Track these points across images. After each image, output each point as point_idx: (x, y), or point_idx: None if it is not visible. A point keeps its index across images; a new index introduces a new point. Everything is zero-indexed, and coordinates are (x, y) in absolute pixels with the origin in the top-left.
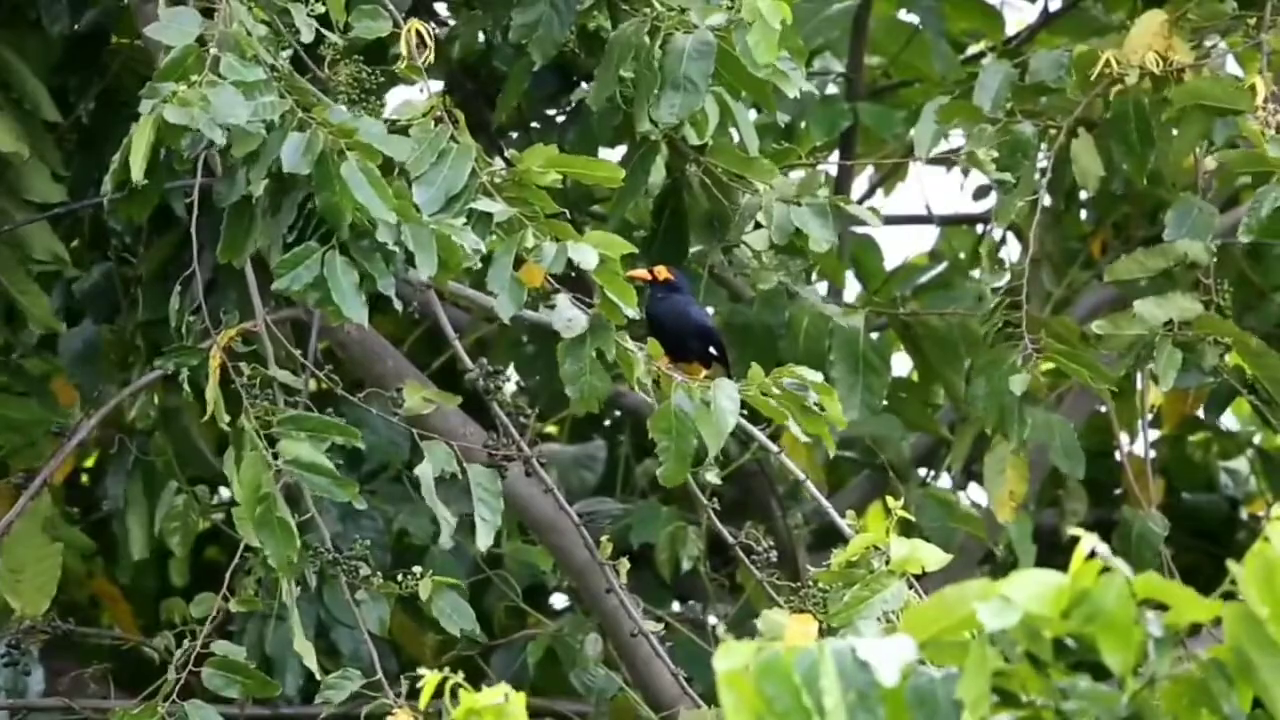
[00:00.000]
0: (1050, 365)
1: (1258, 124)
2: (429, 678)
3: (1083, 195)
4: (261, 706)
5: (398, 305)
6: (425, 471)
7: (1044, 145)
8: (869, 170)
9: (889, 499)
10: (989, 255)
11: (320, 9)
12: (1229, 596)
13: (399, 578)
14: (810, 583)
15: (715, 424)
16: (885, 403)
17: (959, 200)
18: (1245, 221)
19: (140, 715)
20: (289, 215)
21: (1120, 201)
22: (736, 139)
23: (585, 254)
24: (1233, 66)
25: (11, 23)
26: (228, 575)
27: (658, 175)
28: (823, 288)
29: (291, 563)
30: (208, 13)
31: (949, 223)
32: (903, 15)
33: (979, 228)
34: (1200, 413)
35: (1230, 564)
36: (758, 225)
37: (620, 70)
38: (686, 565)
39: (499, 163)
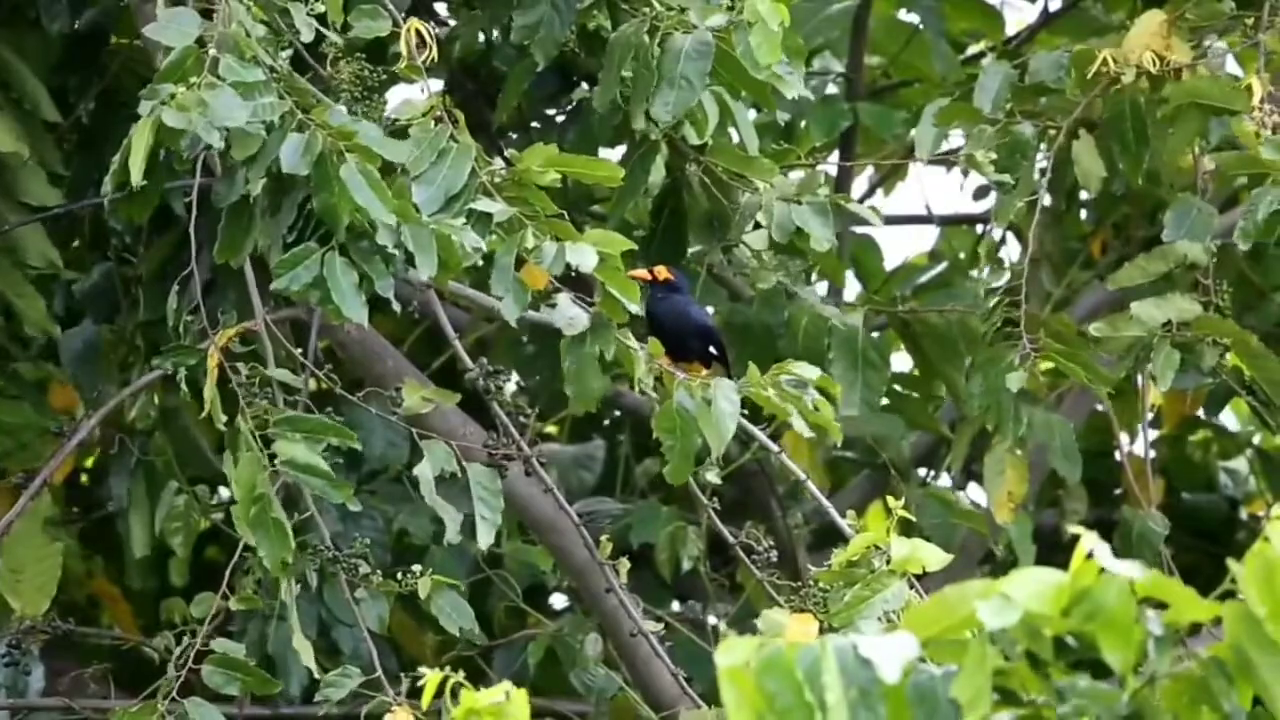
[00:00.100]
0: (1050, 365)
1: (1253, 124)
2: (431, 677)
3: (1083, 195)
4: (261, 706)
5: (396, 307)
6: (425, 471)
7: (1043, 146)
8: (869, 170)
9: (890, 499)
10: (987, 254)
11: (320, 8)
12: (1229, 595)
13: (399, 576)
14: (811, 582)
15: (715, 427)
16: (886, 401)
17: (959, 200)
18: (1241, 225)
19: (140, 713)
20: (288, 216)
21: (1120, 202)
22: (736, 139)
23: (584, 255)
24: (1233, 66)
25: (11, 22)
26: (227, 574)
27: (657, 175)
28: (822, 288)
29: (285, 564)
30: (207, 13)
31: (949, 223)
32: (903, 15)
33: (979, 228)
34: (1201, 412)
35: (1230, 563)
36: (757, 225)
37: (623, 71)
38: (686, 565)
39: (499, 162)
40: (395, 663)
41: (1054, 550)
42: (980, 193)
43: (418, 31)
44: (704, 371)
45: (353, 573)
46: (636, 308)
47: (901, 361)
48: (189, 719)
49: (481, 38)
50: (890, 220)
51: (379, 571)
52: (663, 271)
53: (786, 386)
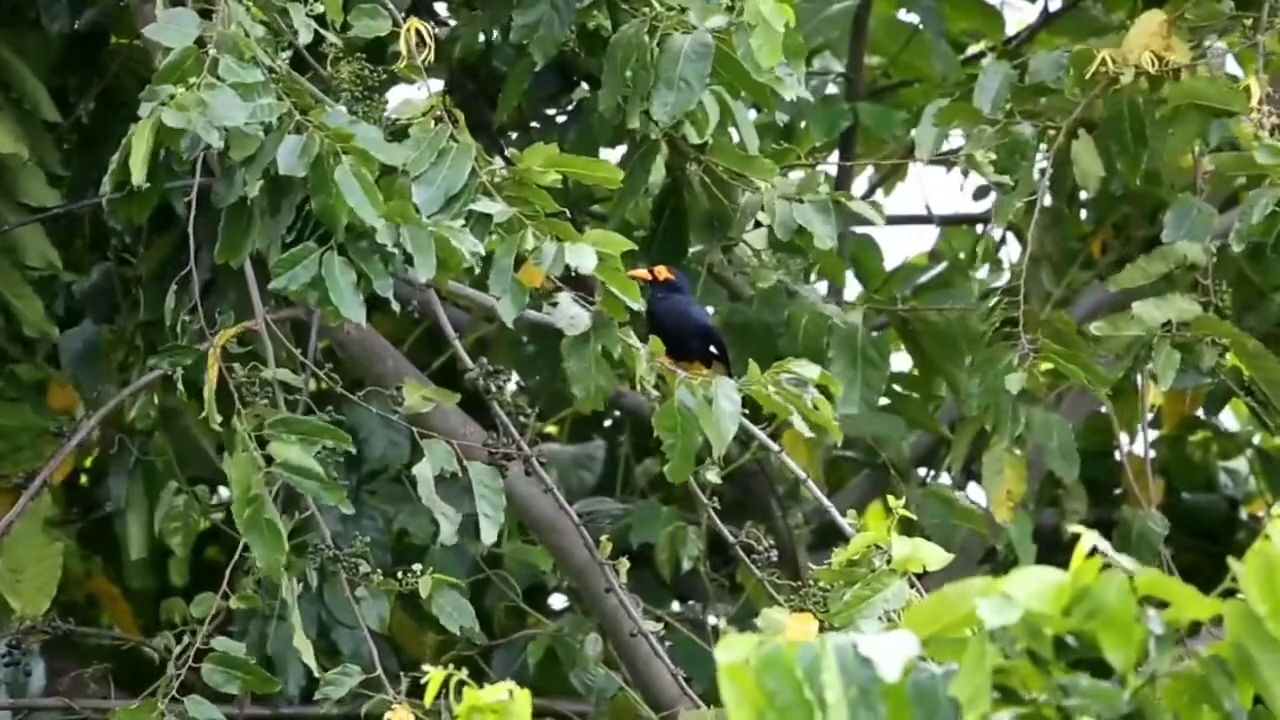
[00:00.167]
0: (1049, 365)
1: (1251, 126)
2: (434, 674)
3: (1083, 195)
4: (262, 706)
5: (395, 306)
6: (424, 471)
7: (1043, 146)
8: (869, 170)
9: (890, 498)
10: (984, 253)
11: (319, 8)
12: (1230, 594)
13: (399, 575)
14: (811, 581)
15: (716, 426)
16: (886, 401)
17: (959, 200)
18: (1237, 228)
19: (140, 711)
20: (287, 216)
21: (1120, 202)
22: (736, 138)
23: (583, 256)
24: (1232, 66)
25: (11, 22)
26: (227, 573)
27: (658, 175)
28: (822, 288)
29: (279, 565)
30: (206, 14)
31: (949, 223)
32: (903, 15)
33: (979, 228)
34: (1201, 412)
35: (1231, 562)
36: (758, 224)
37: (625, 72)
38: (686, 565)
39: (499, 162)
40: (395, 663)
41: (1054, 550)
42: (980, 193)
43: (417, 31)
44: (705, 371)
45: (353, 572)
46: (638, 305)
47: (901, 362)
48: (189, 717)
49: (481, 38)
50: (890, 220)
51: (379, 571)
52: (663, 271)
53: (787, 385)
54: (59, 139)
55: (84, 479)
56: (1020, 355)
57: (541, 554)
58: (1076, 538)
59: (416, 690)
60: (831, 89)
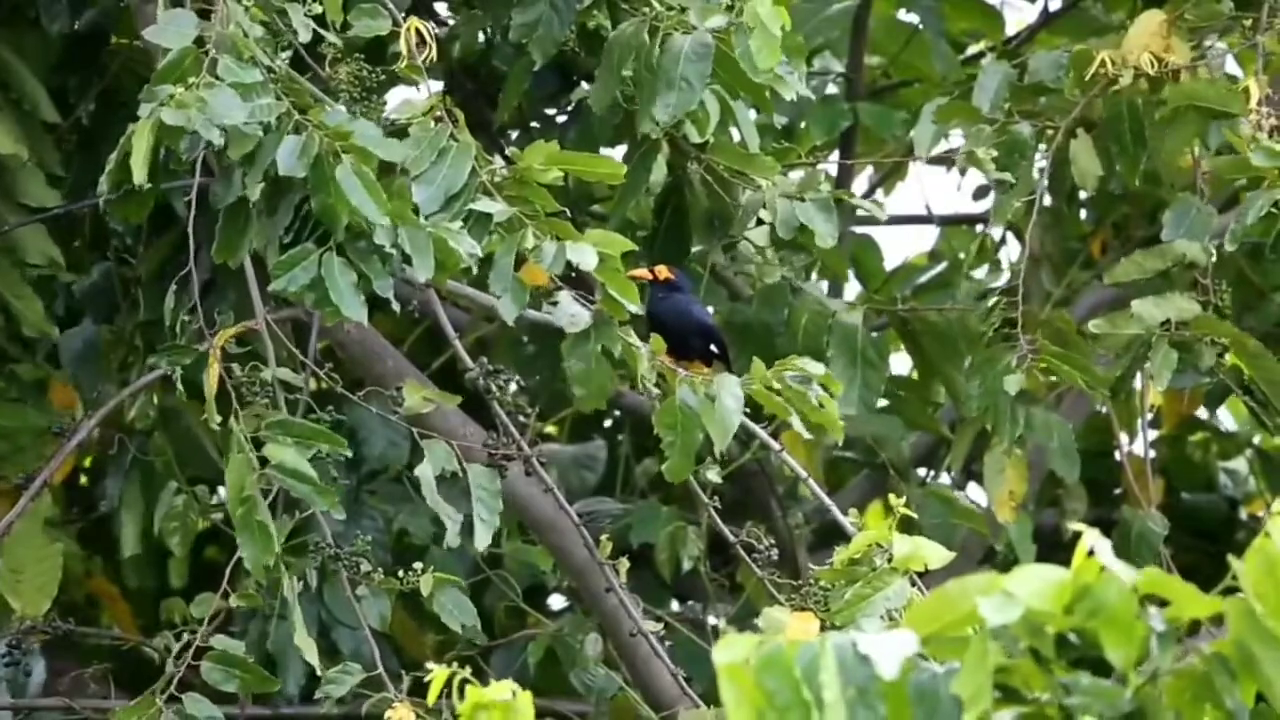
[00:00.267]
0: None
1: (1250, 128)
2: (437, 673)
3: (1082, 195)
4: (262, 706)
5: (395, 306)
6: (426, 472)
7: (1042, 145)
8: (869, 170)
9: (891, 496)
10: (983, 253)
11: (318, 9)
12: (1231, 592)
13: (400, 574)
14: (812, 580)
15: (719, 422)
16: (885, 401)
17: (959, 200)
18: (1232, 229)
19: (138, 708)
20: (285, 216)
21: (1120, 201)
22: (737, 137)
23: (584, 254)
24: (1232, 67)
25: (11, 22)
26: (226, 572)
27: (659, 174)
28: (823, 288)
29: (266, 566)
30: (205, 14)
31: (949, 223)
32: (903, 15)
33: (979, 228)
34: (1202, 411)
35: (1231, 559)
36: (760, 222)
37: (621, 71)
38: (687, 565)
39: (499, 161)
40: (395, 663)
41: (1054, 550)
42: (980, 193)
43: (417, 31)
44: (705, 370)
45: (354, 571)
46: (636, 307)
47: (900, 363)
48: (187, 715)
49: (481, 37)
50: (890, 220)
51: (380, 570)
52: (664, 271)
53: (791, 382)
54: (59, 139)
55: (83, 479)
56: (1019, 356)
57: (541, 554)
58: (1076, 537)
59: (417, 690)
60: (831, 89)
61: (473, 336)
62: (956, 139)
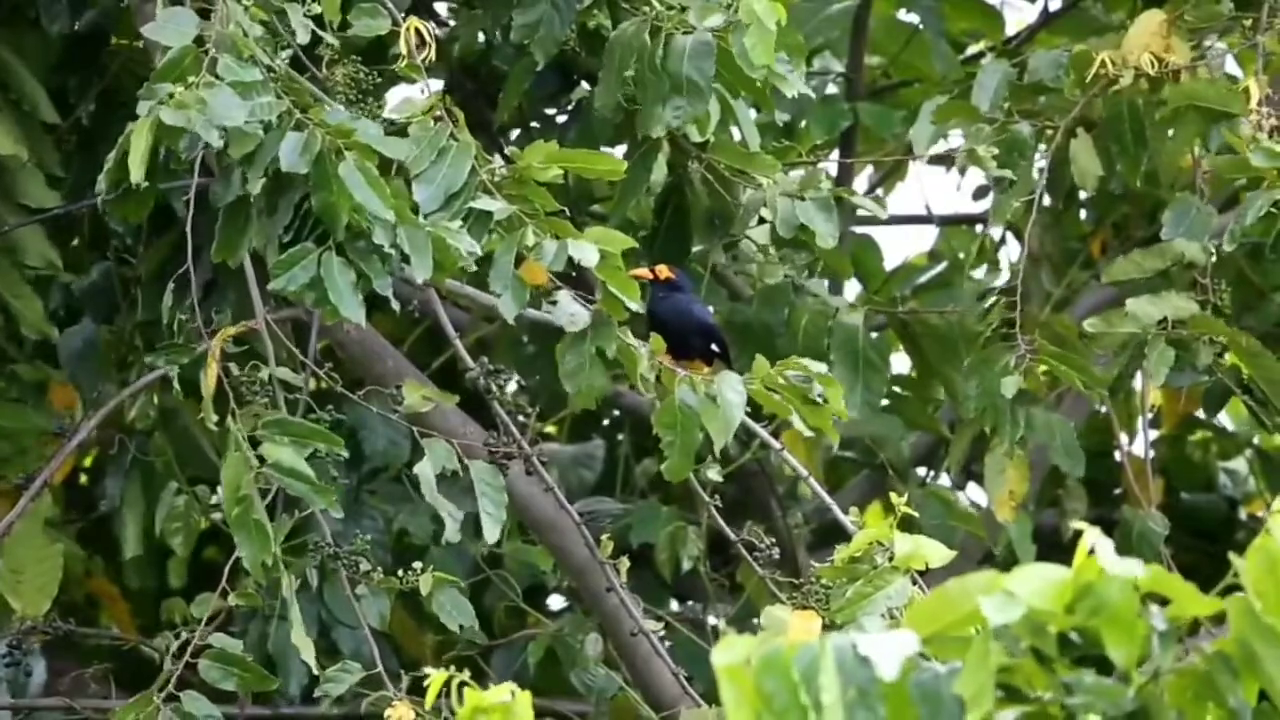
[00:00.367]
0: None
1: (1250, 128)
2: (435, 676)
3: (1082, 195)
4: (262, 706)
5: (395, 306)
6: (426, 470)
7: (1041, 145)
8: (868, 170)
9: (892, 495)
10: (983, 253)
11: (317, 9)
12: (1232, 590)
13: (399, 574)
14: (813, 579)
15: (722, 417)
16: (885, 401)
17: (959, 200)
18: (1231, 229)
19: (137, 706)
20: (285, 215)
21: (1119, 201)
22: (738, 136)
23: (586, 251)
24: (1232, 67)
25: (11, 23)
26: (226, 571)
27: (659, 173)
28: (824, 288)
29: (264, 565)
30: (205, 13)
31: (949, 223)
32: (903, 15)
33: (978, 228)
34: (1201, 412)
35: (1233, 558)
36: (761, 220)
37: (624, 72)
38: (686, 565)
39: (499, 161)
40: (395, 663)
41: (1054, 550)
42: (979, 193)
43: (417, 30)
44: (706, 370)
45: (353, 570)
46: (637, 305)
47: (900, 362)
48: (185, 713)
49: (481, 37)
50: (890, 220)
51: (379, 569)
52: (664, 270)
53: (793, 380)
54: (58, 140)
55: (83, 479)
56: (1017, 357)
57: (541, 554)
58: (1076, 537)
59: (416, 689)
60: (831, 89)
61: (473, 336)
62: (956, 139)
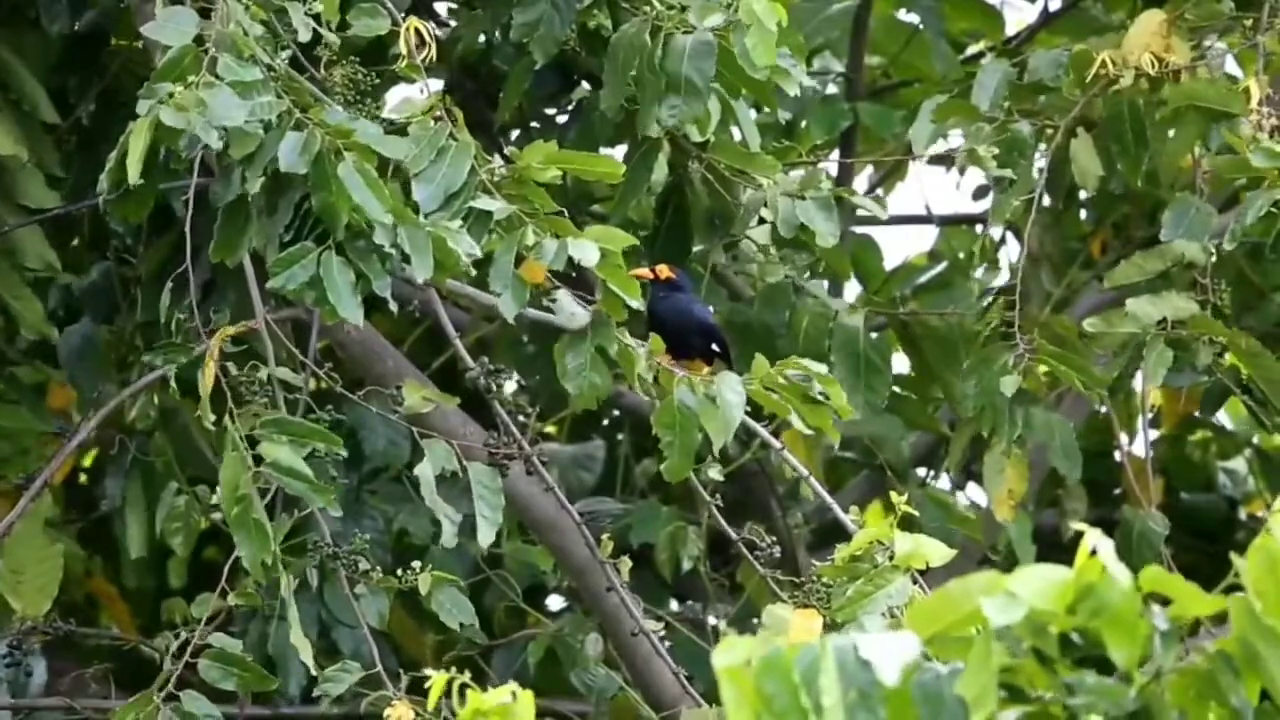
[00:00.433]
0: (1046, 367)
1: (1250, 128)
2: (437, 678)
3: (1082, 195)
4: (262, 706)
5: (393, 307)
6: (425, 471)
7: (1041, 145)
8: (868, 170)
9: (893, 494)
10: (983, 253)
11: (318, 7)
12: (1234, 589)
13: (398, 573)
14: (814, 578)
15: (721, 417)
16: (885, 402)
17: (959, 200)
18: (1232, 228)
19: (137, 705)
20: (285, 215)
21: (1119, 201)
22: (738, 136)
23: (586, 250)
24: (1232, 67)
25: (11, 23)
26: (225, 571)
27: (660, 173)
28: (824, 288)
29: (264, 564)
30: (205, 13)
31: (948, 223)
32: (903, 15)
33: (978, 228)
34: (1200, 411)
35: (1234, 557)
36: (761, 220)
37: (628, 74)
38: (687, 565)
39: (499, 160)
40: (395, 662)
41: (1054, 550)
42: (979, 193)
43: (417, 30)
44: (706, 369)
45: (352, 569)
46: (637, 303)
47: (900, 362)
48: (185, 712)
49: (482, 37)
50: (890, 220)
51: (378, 568)
52: (665, 270)
53: (793, 378)
54: (58, 140)
55: (83, 479)
56: (1016, 356)
57: (541, 554)
58: (1076, 538)
59: (416, 689)
60: (831, 89)
61: (473, 336)
62: (956, 139)
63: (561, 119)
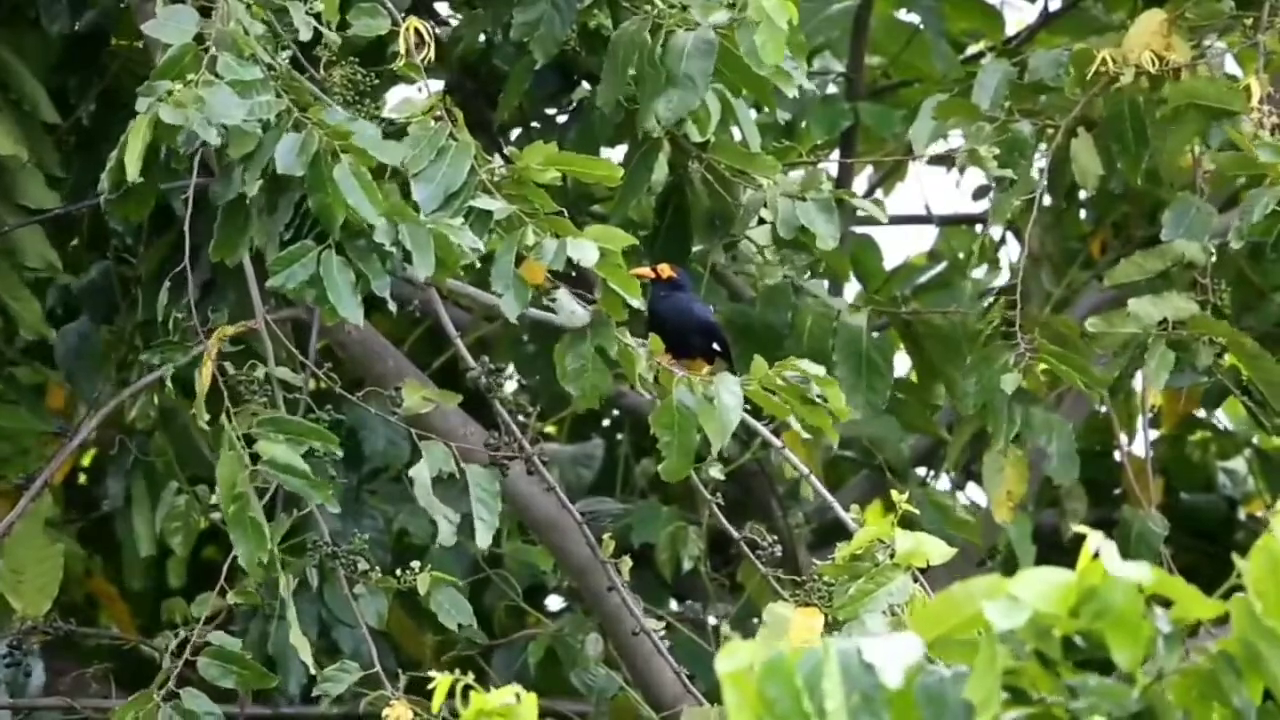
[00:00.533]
0: (1047, 366)
1: (1251, 126)
2: (440, 680)
3: (1082, 195)
4: (262, 705)
5: (393, 306)
6: (421, 473)
7: (1042, 144)
8: (868, 170)
9: (894, 493)
10: (983, 253)
11: (319, 6)
12: (1236, 590)
13: (397, 573)
14: (815, 577)
15: (719, 419)
16: (886, 403)
17: (958, 200)
18: (1236, 225)
19: (136, 704)
20: (285, 214)
21: (1119, 201)
22: (739, 136)
23: (585, 250)
24: (1232, 66)
25: (11, 23)
26: (224, 569)
27: (660, 173)
28: (824, 288)
29: (261, 563)
30: (206, 11)
31: (948, 223)
32: (903, 15)
33: (978, 228)
34: (1200, 411)
35: (1235, 559)
36: (761, 221)
37: (627, 71)
38: (687, 565)
39: (499, 161)
40: (394, 662)
41: (1053, 550)
42: (979, 192)
43: (417, 30)
44: (706, 369)
45: (351, 569)
46: (638, 302)
47: (899, 365)
48: (185, 710)
49: (482, 37)
50: (890, 220)
51: (378, 568)
52: (665, 269)
53: (791, 380)
54: (58, 140)
55: (82, 478)
56: (1017, 355)
57: (541, 554)
58: (1076, 538)
59: (415, 689)
60: (832, 89)
61: (473, 336)
62: (956, 139)
63: (561, 119)
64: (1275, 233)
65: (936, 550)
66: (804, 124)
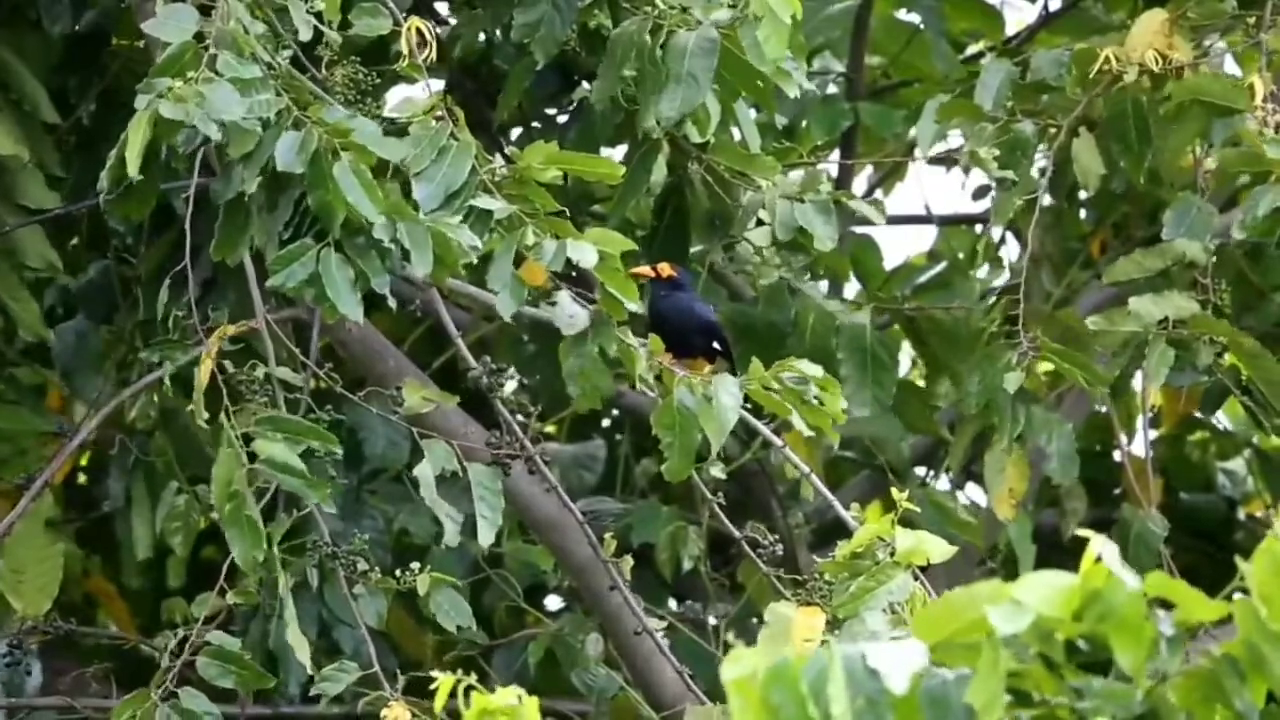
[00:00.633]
0: (1049, 365)
1: (1256, 123)
2: (443, 680)
3: (1083, 195)
4: (262, 705)
5: (392, 304)
6: (425, 472)
7: (1044, 144)
8: (868, 170)
9: (894, 491)
10: (984, 252)
11: (319, 6)
12: (1238, 592)
13: (397, 573)
14: (815, 576)
15: (717, 420)
16: (892, 400)
17: (959, 200)
18: (1239, 220)
19: (135, 702)
20: (285, 212)
21: (1120, 201)
22: (738, 137)
23: (585, 252)
24: (1232, 66)
25: (11, 23)
26: (224, 569)
27: (659, 173)
28: (823, 288)
29: (256, 561)
30: (206, 10)
31: (948, 223)
32: (903, 15)
33: (979, 228)
34: (1200, 412)
35: (1238, 561)
36: (760, 222)
37: (623, 69)
38: (687, 565)
39: (499, 160)
40: (394, 662)
41: (1053, 550)
42: (980, 192)
43: (418, 30)
44: (707, 368)
45: (351, 569)
46: (636, 306)
47: (901, 366)
48: (183, 709)
49: (482, 37)
50: (890, 220)
51: (377, 568)
52: (666, 268)
53: (789, 383)
54: (58, 140)
55: (82, 478)
56: (1019, 354)
57: (542, 554)
58: (1077, 538)
59: (415, 689)
60: (832, 89)
61: (474, 336)
62: (956, 139)
63: (562, 119)
64: (1276, 233)
65: (937, 548)
66: (804, 124)
